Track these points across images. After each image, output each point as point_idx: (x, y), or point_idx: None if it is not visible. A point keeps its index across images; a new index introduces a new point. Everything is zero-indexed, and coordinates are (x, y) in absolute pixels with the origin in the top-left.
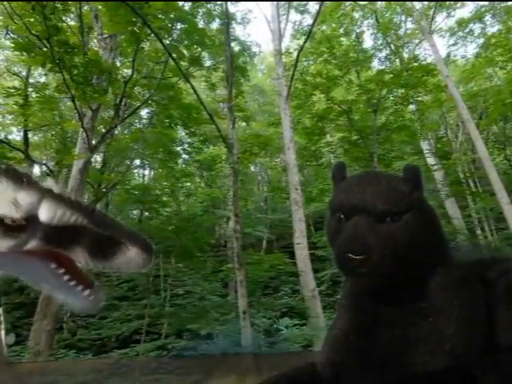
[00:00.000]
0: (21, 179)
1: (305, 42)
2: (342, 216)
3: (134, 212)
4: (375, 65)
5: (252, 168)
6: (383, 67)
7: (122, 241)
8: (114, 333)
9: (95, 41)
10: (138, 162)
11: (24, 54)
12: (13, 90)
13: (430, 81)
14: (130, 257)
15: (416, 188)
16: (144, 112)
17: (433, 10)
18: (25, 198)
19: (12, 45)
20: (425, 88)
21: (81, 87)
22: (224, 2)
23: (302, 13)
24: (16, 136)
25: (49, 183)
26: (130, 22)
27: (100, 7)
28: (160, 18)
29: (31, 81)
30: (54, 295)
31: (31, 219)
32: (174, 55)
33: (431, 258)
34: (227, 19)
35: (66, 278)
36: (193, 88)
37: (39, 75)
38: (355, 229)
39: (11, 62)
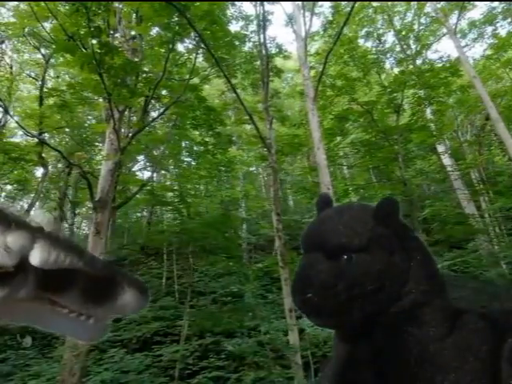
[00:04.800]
0: (9, 220)
1: (334, 44)
2: (303, 252)
3: (138, 215)
4: (393, 66)
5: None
6: (401, 68)
7: (118, 283)
8: (134, 334)
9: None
10: (142, 163)
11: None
12: (53, 92)
13: (453, 81)
14: (126, 300)
15: (381, 224)
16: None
17: (457, 11)
18: (15, 241)
19: (17, 47)
20: (448, 89)
21: (117, 88)
22: (260, 3)
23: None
24: (23, 138)
25: (37, 216)
26: (173, 22)
27: (125, 9)
28: (205, 19)
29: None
30: (61, 332)
31: (22, 264)
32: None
33: (404, 298)
34: (264, 20)
35: (65, 311)
36: (233, 88)
37: (50, 78)
38: (303, 266)
39: (26, 65)
